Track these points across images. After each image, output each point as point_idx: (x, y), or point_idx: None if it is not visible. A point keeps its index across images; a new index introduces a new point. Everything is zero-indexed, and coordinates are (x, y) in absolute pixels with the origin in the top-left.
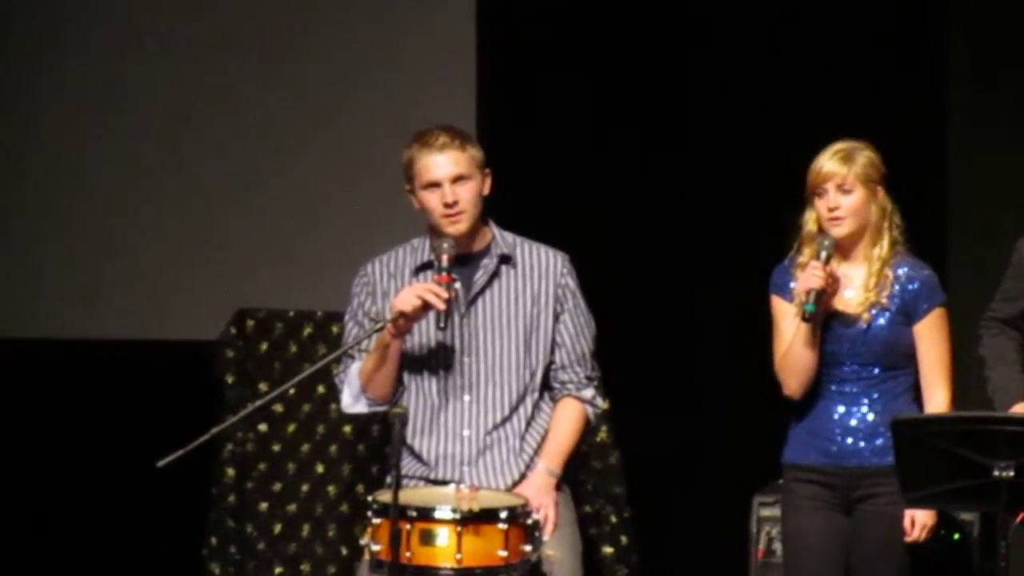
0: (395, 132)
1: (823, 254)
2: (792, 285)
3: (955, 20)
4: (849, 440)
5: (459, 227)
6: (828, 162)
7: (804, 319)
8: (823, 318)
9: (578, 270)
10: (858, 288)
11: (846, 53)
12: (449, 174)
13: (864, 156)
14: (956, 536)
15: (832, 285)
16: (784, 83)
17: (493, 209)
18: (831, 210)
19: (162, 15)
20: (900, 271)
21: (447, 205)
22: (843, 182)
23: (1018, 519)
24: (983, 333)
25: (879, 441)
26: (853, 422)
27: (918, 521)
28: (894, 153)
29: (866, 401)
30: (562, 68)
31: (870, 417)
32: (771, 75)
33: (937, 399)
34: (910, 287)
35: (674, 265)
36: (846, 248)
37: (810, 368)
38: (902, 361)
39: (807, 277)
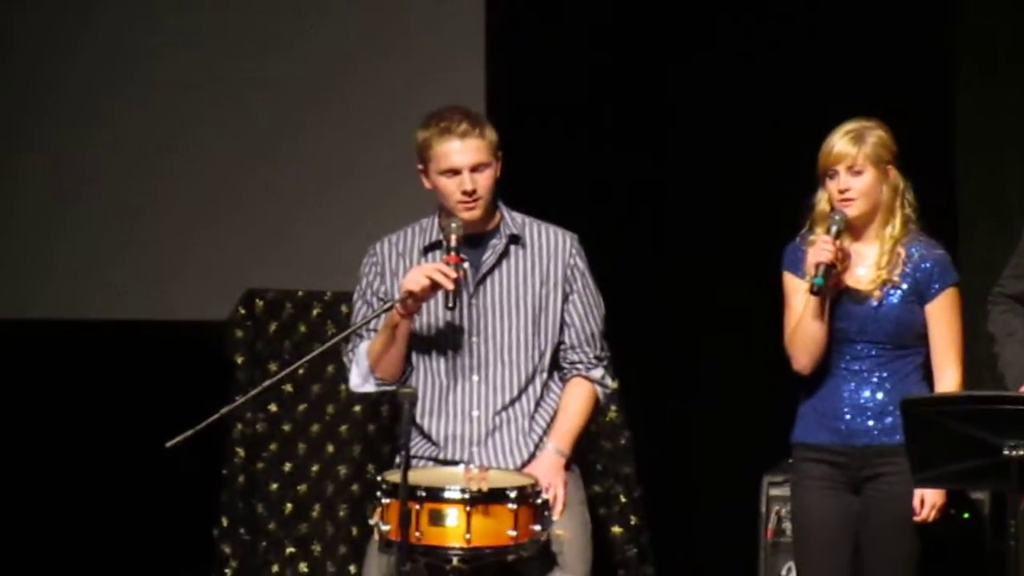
0: (404, 112)
1: (834, 228)
2: (804, 261)
3: None
4: (858, 419)
5: (475, 213)
6: (839, 143)
7: (813, 292)
8: (834, 294)
9: (587, 250)
10: (870, 266)
11: (854, 28)
12: (469, 162)
13: (875, 136)
14: (966, 515)
15: (843, 261)
16: (792, 60)
17: (502, 188)
18: (842, 192)
19: None
20: (913, 250)
21: (466, 193)
22: (853, 163)
23: None
24: (991, 309)
25: (888, 420)
26: (862, 401)
27: (927, 501)
28: (902, 130)
29: (876, 380)
30: (573, 44)
31: (879, 396)
32: (780, 53)
33: (948, 379)
34: (923, 266)
35: (685, 244)
36: (858, 228)
37: (819, 342)
38: (913, 340)
39: (817, 250)
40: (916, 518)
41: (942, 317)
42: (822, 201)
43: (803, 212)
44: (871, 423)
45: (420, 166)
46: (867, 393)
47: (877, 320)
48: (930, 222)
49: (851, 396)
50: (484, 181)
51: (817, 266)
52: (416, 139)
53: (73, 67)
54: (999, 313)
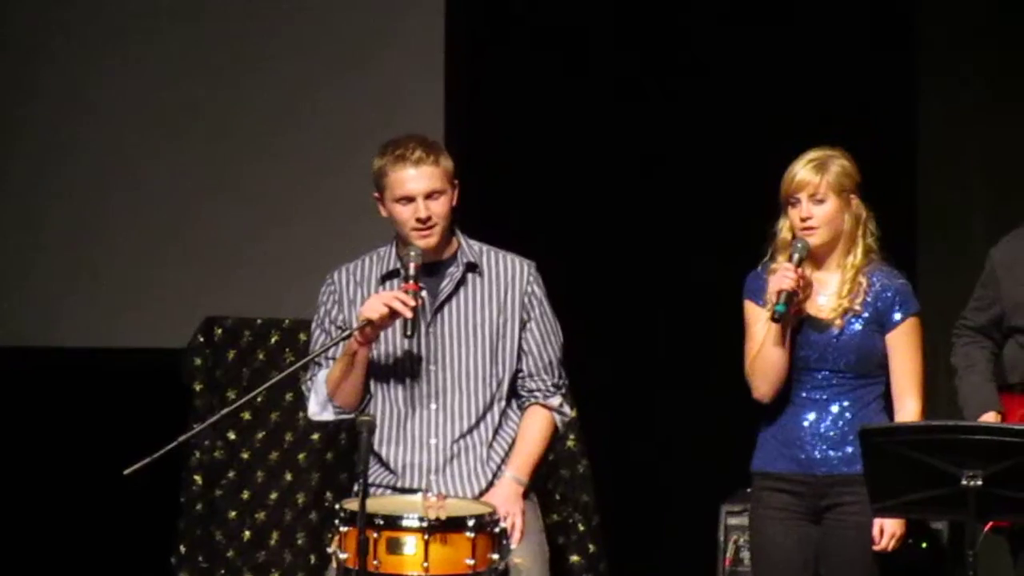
0: (363, 139)
1: (796, 256)
2: (765, 290)
3: (926, 22)
4: (819, 447)
5: (430, 241)
6: (801, 171)
7: (774, 320)
8: (795, 322)
9: (545, 277)
10: (831, 294)
11: (816, 57)
12: (423, 189)
13: (837, 165)
14: (924, 544)
15: (804, 289)
16: (753, 90)
17: (460, 215)
18: (804, 220)
19: (131, 26)
20: (874, 279)
21: (420, 220)
22: (816, 192)
23: (987, 528)
24: (955, 342)
25: (849, 449)
26: (823, 429)
27: (887, 530)
28: (863, 159)
29: (836, 408)
30: (530, 75)
31: (840, 424)
32: (741, 84)
33: (908, 408)
34: (884, 295)
35: (642, 271)
36: (820, 256)
37: (780, 370)
38: (874, 369)
39: (779, 278)
40: (875, 547)
41: (903, 346)
42: (783, 229)
43: (764, 240)
44: (831, 452)
45: (376, 194)
46: (828, 422)
47: (838, 348)
48: (889, 250)
49: (812, 425)
50: (439, 208)
51: (779, 293)
52: (372, 167)
53: (34, 96)
54: (962, 346)
